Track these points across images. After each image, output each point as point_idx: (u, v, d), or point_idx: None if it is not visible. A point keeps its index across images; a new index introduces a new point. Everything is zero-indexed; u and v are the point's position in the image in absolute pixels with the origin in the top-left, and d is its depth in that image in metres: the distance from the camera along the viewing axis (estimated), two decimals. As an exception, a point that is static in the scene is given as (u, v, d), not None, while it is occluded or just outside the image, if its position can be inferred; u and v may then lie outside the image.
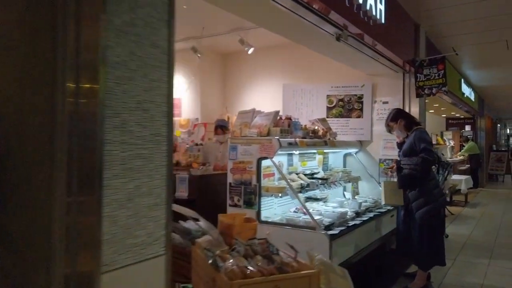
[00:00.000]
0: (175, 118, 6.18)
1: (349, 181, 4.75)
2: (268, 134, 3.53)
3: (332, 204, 4.21)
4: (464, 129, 13.10)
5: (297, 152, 4.32)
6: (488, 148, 14.78)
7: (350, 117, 5.07)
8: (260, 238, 1.66)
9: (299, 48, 5.26)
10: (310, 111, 5.19)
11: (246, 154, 3.55)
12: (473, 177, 11.87)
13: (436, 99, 8.04)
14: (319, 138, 4.22)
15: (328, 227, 3.41)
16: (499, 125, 21.97)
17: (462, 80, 8.14)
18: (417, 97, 4.68)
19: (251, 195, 3.49)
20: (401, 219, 3.81)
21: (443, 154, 5.94)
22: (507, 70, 7.72)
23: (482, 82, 9.47)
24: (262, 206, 3.71)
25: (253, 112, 3.72)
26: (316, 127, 4.35)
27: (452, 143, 12.24)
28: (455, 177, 8.75)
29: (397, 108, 4.05)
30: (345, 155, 5.22)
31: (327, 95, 5.14)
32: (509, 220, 7.05)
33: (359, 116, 5.05)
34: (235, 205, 3.59)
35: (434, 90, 4.52)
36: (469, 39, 5.64)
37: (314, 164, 4.79)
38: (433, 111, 11.44)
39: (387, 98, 4.94)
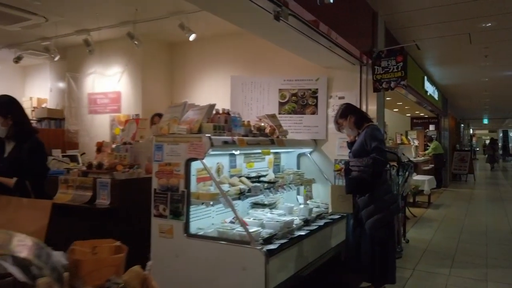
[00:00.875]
0: (114, 114, 5.54)
1: (301, 184, 4.29)
2: (200, 131, 3.00)
3: (279, 211, 3.73)
4: (429, 128, 13.04)
5: (242, 152, 3.81)
6: (452, 148, 14.85)
7: (304, 114, 4.62)
8: (116, 282, 1.12)
9: (251, 37, 4.79)
10: (260, 107, 4.70)
11: (173, 154, 3.01)
12: (436, 177, 11.81)
13: (400, 97, 7.75)
14: (265, 136, 3.73)
15: (268, 240, 2.91)
16: (462, 125, 22.39)
17: (425, 77, 7.90)
18: (374, 91, 4.28)
19: (179, 204, 2.95)
20: (350, 229, 3.37)
21: (403, 154, 5.60)
22: (470, 67, 7.53)
23: (445, 80, 9.31)
24: (196, 215, 3.18)
25: (185, 105, 3.18)
26: (263, 124, 3.85)
27: (416, 142, 12.12)
28: (418, 177, 8.53)
29: (347, 103, 3.61)
30: (299, 156, 4.76)
31: (279, 89, 4.66)
32: (471, 224, 6.84)
33: (313, 113, 4.60)
34: (161, 216, 3.03)
35: (392, 84, 4.13)
36: (431, 31, 5.31)
37: (263, 165, 4.30)
38: (397, 110, 11.25)
39: (343, 93, 4.51)
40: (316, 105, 4.59)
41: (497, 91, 11.41)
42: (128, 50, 5.27)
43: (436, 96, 9.78)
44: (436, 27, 5.12)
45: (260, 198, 3.96)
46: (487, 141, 28.23)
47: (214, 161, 3.48)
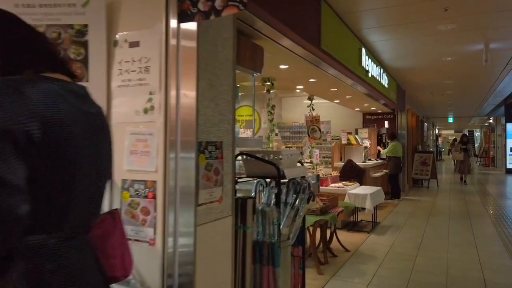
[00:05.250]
0: None
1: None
2: None
3: None
4: (383, 126, 10.90)
5: None
6: (412, 149, 12.82)
7: (61, 81, 2.11)
8: None
9: None
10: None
11: None
12: (393, 185, 9.65)
13: (328, 78, 5.37)
14: None
15: None
16: (426, 124, 20.64)
17: (364, 50, 5.57)
18: (180, 21, 1.83)
19: None
20: None
21: (302, 163, 3.26)
22: (425, 33, 5.27)
23: (397, 61, 7.08)
24: None
25: None
26: None
27: (367, 143, 9.90)
28: (357, 190, 6.23)
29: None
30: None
31: (7, 27, 2.13)
32: (426, 265, 4.56)
33: (80, 78, 2.11)
34: None
35: (217, 3, 1.70)
36: None
37: None
38: (339, 101, 8.95)
39: (138, 33, 2.05)
40: (84, 61, 2.11)
41: (462, 80, 9.36)
42: None
43: (385, 82, 7.54)
44: None
45: None
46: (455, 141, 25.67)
47: None
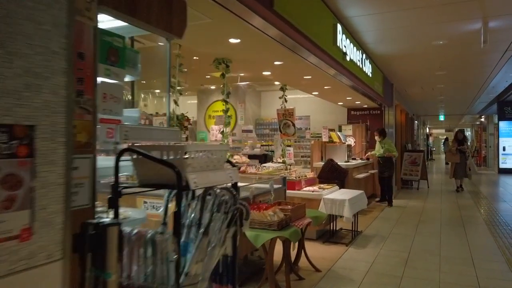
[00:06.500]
0: None
1: None
2: None
3: None
4: (368, 122, 10.00)
5: None
6: (401, 148, 11.95)
7: None
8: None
9: None
10: None
11: None
12: (384, 189, 8.67)
13: (297, 62, 4.44)
14: None
15: None
16: (416, 122, 19.85)
17: (340, 26, 4.64)
18: None
19: None
20: None
21: (232, 168, 2.25)
22: (407, 9, 4.37)
23: (382, 46, 6.18)
24: None
25: None
26: None
27: (351, 141, 9.00)
28: (333, 195, 5.31)
29: None
30: None
31: None
32: (413, 289, 3.65)
33: None
34: None
35: None
36: None
37: None
38: (317, 93, 8.02)
39: None
40: None
41: (455, 71, 8.51)
42: None
43: (369, 70, 6.64)
44: None
45: None
46: (446, 139, 24.41)
47: None
